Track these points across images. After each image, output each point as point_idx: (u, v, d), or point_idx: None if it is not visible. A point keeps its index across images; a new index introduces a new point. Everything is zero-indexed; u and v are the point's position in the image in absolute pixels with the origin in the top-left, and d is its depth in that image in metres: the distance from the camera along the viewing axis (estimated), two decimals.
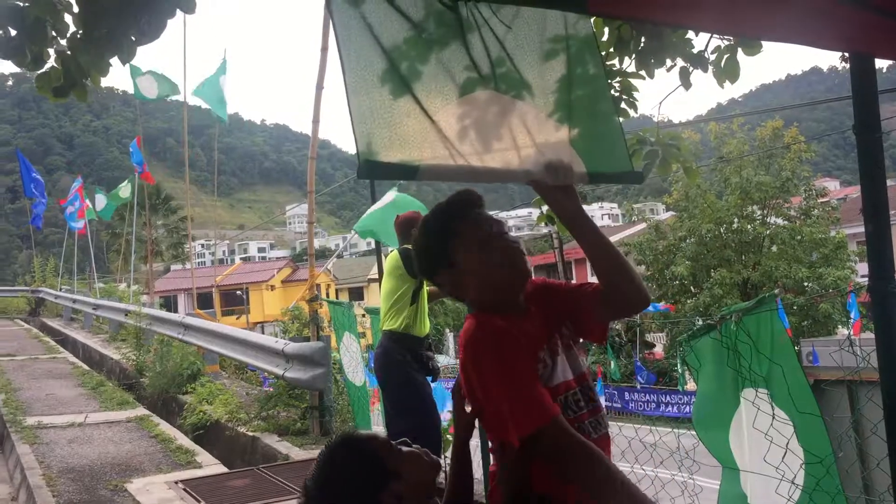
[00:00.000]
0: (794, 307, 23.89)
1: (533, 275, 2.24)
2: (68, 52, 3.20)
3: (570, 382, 2.10)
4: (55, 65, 3.30)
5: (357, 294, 49.61)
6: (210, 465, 7.16)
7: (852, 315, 20.15)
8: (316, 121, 8.22)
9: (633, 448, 4.43)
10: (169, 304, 41.96)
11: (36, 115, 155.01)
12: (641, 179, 2.63)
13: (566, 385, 2.08)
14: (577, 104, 2.34)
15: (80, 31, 3.10)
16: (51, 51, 3.18)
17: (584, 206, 2.91)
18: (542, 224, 4.48)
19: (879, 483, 3.14)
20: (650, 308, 26.74)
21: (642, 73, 3.85)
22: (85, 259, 29.29)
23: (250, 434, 8.04)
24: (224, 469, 7.06)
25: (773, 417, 3.37)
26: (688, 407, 23.56)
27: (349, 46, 2.01)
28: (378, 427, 7.42)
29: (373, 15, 2.06)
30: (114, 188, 25.90)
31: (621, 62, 3.91)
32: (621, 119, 3.94)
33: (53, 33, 3.14)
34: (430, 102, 2.08)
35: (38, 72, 3.27)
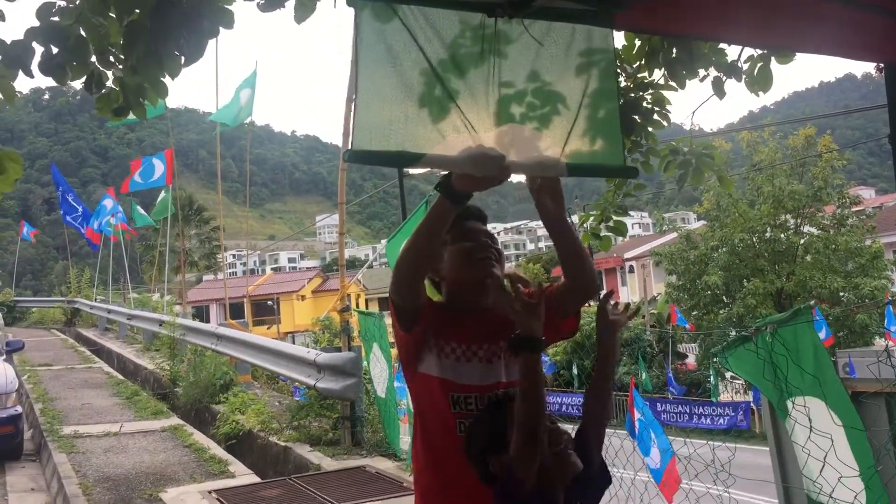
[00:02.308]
0: (830, 318, 23.54)
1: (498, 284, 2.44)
2: (125, 74, 3.27)
3: (501, 384, 2.34)
4: (114, 87, 3.38)
5: (387, 304, 49.71)
6: (243, 475, 7.22)
7: (892, 328, 19.81)
8: (346, 132, 8.27)
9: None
10: (201, 313, 42.37)
11: (71, 127, 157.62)
12: (636, 174, 2.79)
13: (496, 385, 2.32)
14: (586, 105, 2.40)
15: (122, 52, 3.17)
16: (109, 73, 3.24)
17: (625, 219, 2.98)
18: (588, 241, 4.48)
19: None
20: (680, 321, 26.57)
21: (673, 84, 3.85)
22: (119, 270, 29.69)
23: (282, 444, 8.09)
24: (256, 479, 7.11)
25: (811, 430, 3.33)
26: (721, 419, 23.31)
27: (368, 56, 2.11)
28: (406, 438, 7.43)
29: (397, 34, 2.15)
30: (147, 199, 26.25)
31: (651, 73, 3.91)
32: (652, 129, 3.94)
33: (108, 56, 3.20)
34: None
35: (98, 94, 3.34)
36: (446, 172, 2.13)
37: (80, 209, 26.11)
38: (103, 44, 3.25)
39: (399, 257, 2.27)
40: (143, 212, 25.23)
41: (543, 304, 2.06)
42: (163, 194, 23.39)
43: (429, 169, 2.30)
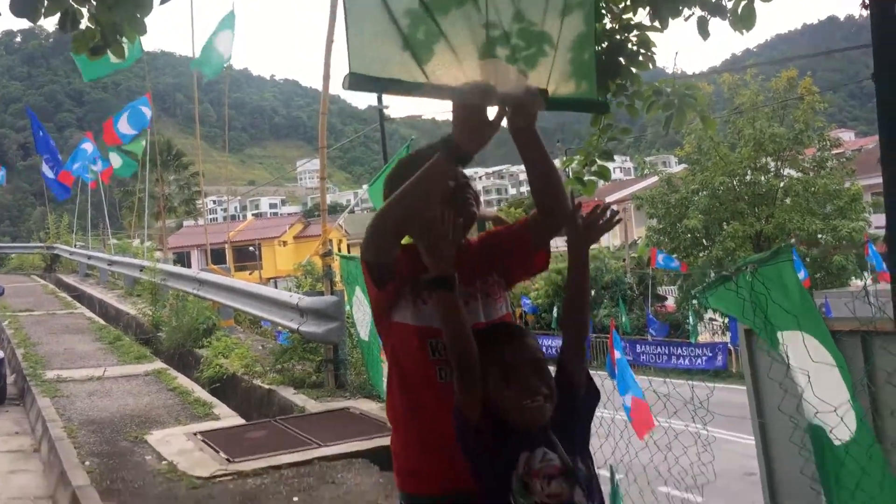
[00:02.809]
0: (808, 259, 23.81)
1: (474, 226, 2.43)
2: (100, 12, 3.19)
3: (480, 325, 2.28)
4: (90, 24, 3.29)
5: None
6: (227, 417, 7.27)
7: (876, 266, 20.07)
8: (326, 76, 8.17)
9: (646, 399, 4.47)
10: (182, 259, 42.19)
11: (45, 71, 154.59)
12: (607, 109, 2.90)
13: (476, 326, 2.23)
14: (567, 46, 2.40)
15: None
16: (84, 10, 3.16)
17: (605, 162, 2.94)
18: (574, 185, 4.47)
19: (891, 430, 3.16)
20: (662, 264, 26.74)
21: (657, 25, 3.81)
22: (98, 216, 29.42)
23: (266, 387, 8.15)
24: (241, 421, 7.17)
25: (788, 367, 3.39)
26: (700, 360, 23.70)
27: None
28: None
29: None
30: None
31: (634, 13, 3.87)
32: (638, 71, 3.92)
33: None
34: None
35: (73, 33, 3.26)
36: (445, 137, 2.09)
37: (55, 159, 25.70)
38: None
39: (380, 217, 2.17)
40: (119, 161, 24.73)
41: (451, 243, 2.06)
42: (139, 140, 23.04)
43: (418, 103, 2.25)
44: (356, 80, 2.00)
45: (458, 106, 2.07)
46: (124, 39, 3.46)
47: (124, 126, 21.13)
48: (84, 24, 3.34)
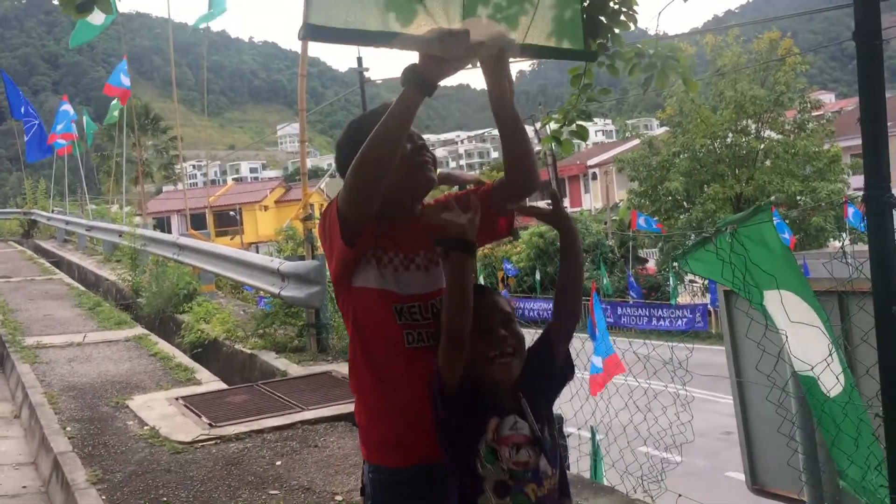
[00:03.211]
0: (787, 221, 24.01)
1: (434, 185, 2.36)
2: None
3: (442, 291, 2.21)
4: None
5: None
6: (209, 382, 7.26)
7: (856, 226, 20.27)
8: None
9: (626, 360, 4.50)
10: (162, 224, 41.95)
11: (19, 34, 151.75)
12: (595, 56, 2.89)
13: (438, 293, 2.23)
14: (550, 4, 2.35)
15: None
16: None
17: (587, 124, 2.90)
18: (537, 140, 4.45)
19: (867, 389, 3.20)
20: (644, 226, 26.86)
21: None
22: (75, 181, 29.07)
23: (248, 351, 8.14)
24: (223, 385, 7.16)
25: (766, 326, 3.42)
26: (680, 321, 23.93)
27: None
28: None
29: None
30: (101, 107, 25.45)
31: None
32: (619, 31, 3.88)
33: None
34: None
35: None
36: (409, 67, 2.05)
37: (37, 122, 25.22)
38: None
39: (358, 163, 2.08)
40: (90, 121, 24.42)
41: (478, 213, 2.06)
42: (114, 101, 22.72)
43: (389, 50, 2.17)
44: (313, 30, 1.92)
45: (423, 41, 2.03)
46: None
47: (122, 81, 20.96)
48: None
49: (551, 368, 2.17)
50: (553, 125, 3.93)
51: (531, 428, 2.03)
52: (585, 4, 3.74)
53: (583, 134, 3.87)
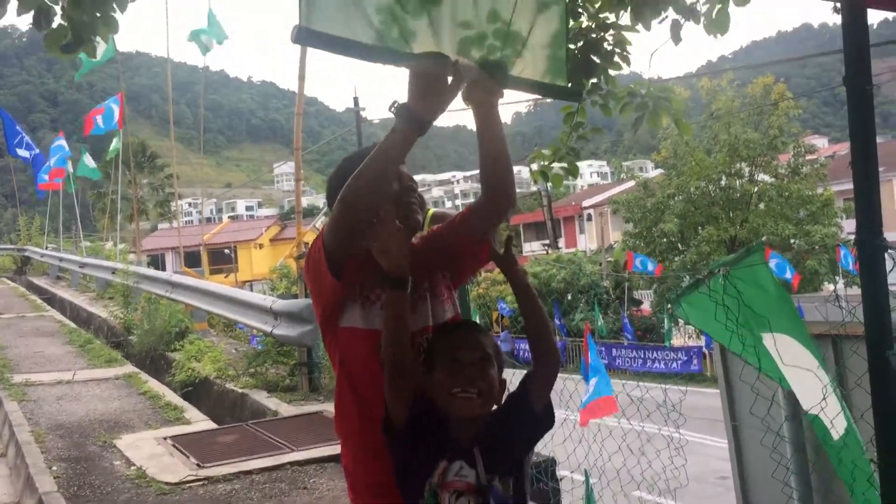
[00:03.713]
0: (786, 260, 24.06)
1: (423, 229, 2.45)
2: (71, 8, 3.14)
3: (429, 329, 2.26)
4: (62, 22, 3.24)
5: None
6: (199, 422, 7.18)
7: (851, 270, 20.28)
8: (302, 77, 8.13)
9: (620, 402, 4.46)
10: (156, 262, 41.83)
11: (18, 71, 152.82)
12: (580, 97, 2.98)
13: (425, 330, 2.25)
14: (533, 32, 2.39)
15: None
16: (57, 8, 3.11)
17: (578, 163, 2.91)
18: (533, 181, 4.45)
19: (864, 434, 3.16)
20: (640, 267, 26.87)
21: (637, 26, 3.81)
22: (70, 218, 29.07)
23: (239, 390, 8.07)
24: (213, 425, 7.08)
25: (759, 370, 3.38)
26: (674, 363, 23.84)
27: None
28: None
29: None
30: (98, 145, 25.55)
31: (618, 17, 3.87)
32: (613, 73, 3.92)
33: None
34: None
35: (46, 31, 3.20)
36: (400, 104, 2.06)
37: (31, 154, 25.20)
38: None
39: (344, 198, 2.09)
40: (89, 162, 24.42)
41: (403, 242, 2.06)
42: (115, 140, 22.82)
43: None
44: (304, 35, 1.92)
45: (414, 73, 2.05)
46: (98, 38, 3.41)
47: (99, 122, 21.02)
48: (57, 21, 3.29)
49: (527, 417, 2.12)
50: (543, 162, 3.94)
51: (477, 476, 1.99)
52: (580, 44, 3.79)
53: (573, 171, 3.88)
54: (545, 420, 2.15)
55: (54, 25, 3.25)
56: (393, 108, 2.05)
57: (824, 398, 3.01)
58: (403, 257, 2.04)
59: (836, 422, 3.05)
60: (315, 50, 2.06)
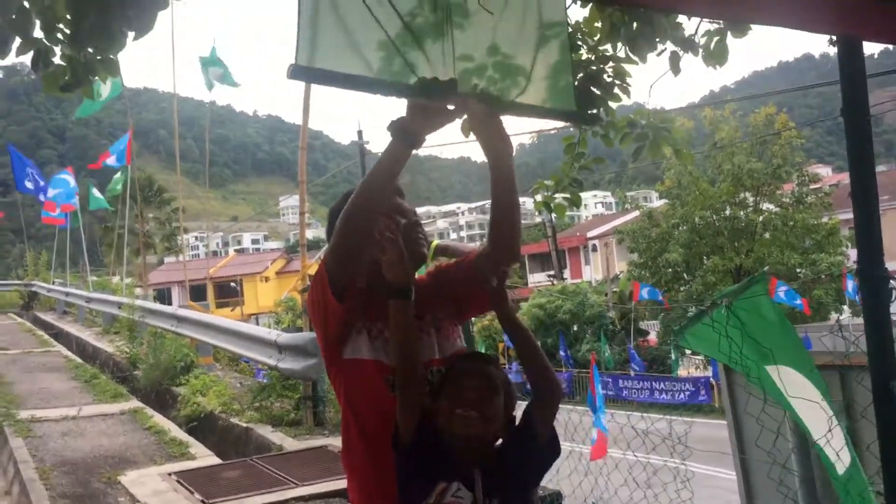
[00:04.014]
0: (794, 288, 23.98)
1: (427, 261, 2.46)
2: (72, 49, 3.18)
3: (434, 361, 2.27)
4: (61, 62, 3.29)
5: None
6: (204, 457, 7.15)
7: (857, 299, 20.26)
8: (306, 109, 8.20)
9: (625, 434, 4.44)
10: (163, 296, 41.94)
11: (27, 107, 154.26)
12: (585, 118, 2.98)
13: (430, 363, 2.25)
14: (543, 76, 2.43)
15: (69, 26, 3.08)
16: (56, 49, 3.16)
17: (582, 194, 2.95)
18: (536, 212, 4.47)
19: (870, 466, 3.14)
20: (646, 297, 26.81)
21: (635, 58, 3.84)
22: (78, 252, 29.17)
23: (244, 425, 8.03)
24: (218, 460, 7.05)
25: (765, 402, 3.37)
26: (681, 394, 23.68)
27: (321, 28, 2.05)
28: None
29: (351, 5, 2.09)
30: (105, 180, 25.70)
31: (614, 48, 3.90)
32: (614, 104, 3.95)
33: (55, 31, 3.11)
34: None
35: (45, 72, 3.25)
36: (395, 120, 2.10)
37: (38, 186, 25.32)
38: (48, 16, 3.16)
39: (343, 217, 2.13)
40: (97, 194, 24.65)
41: (404, 253, 2.09)
42: (118, 174, 22.98)
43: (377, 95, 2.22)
44: (299, 71, 1.97)
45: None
46: (96, 78, 3.45)
47: (111, 161, 21.30)
48: (57, 61, 3.33)
49: (531, 446, 2.12)
50: (546, 192, 3.96)
51: (474, 499, 2.00)
52: (580, 76, 3.82)
53: (576, 200, 3.90)
54: (550, 450, 2.16)
55: (52, 68, 3.29)
56: (390, 128, 2.09)
57: (829, 430, 3.00)
58: (406, 267, 2.09)
59: (841, 454, 3.03)
60: (320, 85, 2.11)
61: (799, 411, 3.18)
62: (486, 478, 2.02)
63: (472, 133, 2.28)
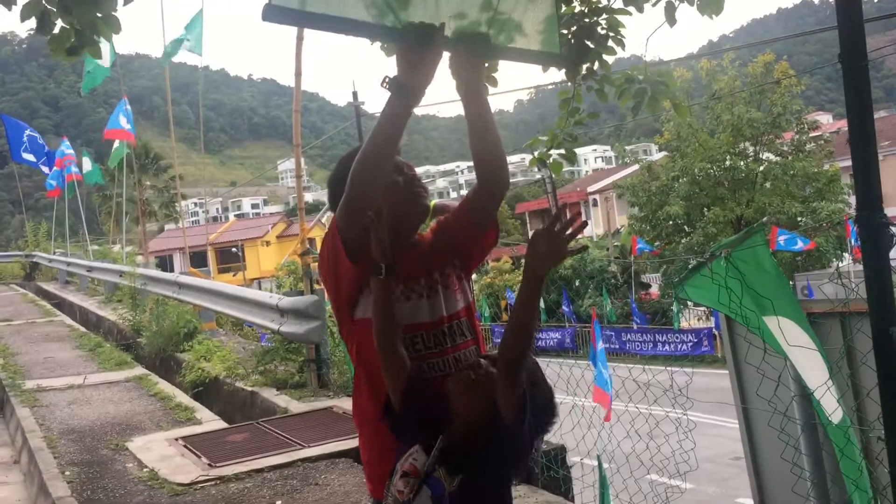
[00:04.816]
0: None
1: (427, 216, 2.42)
2: (79, 9, 3.14)
3: (444, 318, 2.30)
4: (64, 25, 3.25)
5: None
6: (210, 421, 7.20)
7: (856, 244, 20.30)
8: (298, 73, 8.09)
9: (626, 388, 4.45)
10: (164, 263, 41.99)
11: (19, 77, 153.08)
12: (566, 64, 2.94)
13: (441, 320, 2.30)
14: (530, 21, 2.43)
15: None
16: (55, 10, 3.13)
17: (577, 150, 2.92)
18: (535, 168, 4.43)
19: (870, 413, 3.15)
20: (644, 247, 26.79)
21: (630, 9, 3.78)
22: (77, 222, 29.13)
23: (249, 389, 8.08)
24: (224, 424, 7.11)
25: (765, 351, 3.38)
26: (683, 346, 23.82)
27: None
28: None
29: None
30: (102, 149, 25.57)
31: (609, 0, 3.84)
32: (610, 57, 3.89)
33: None
34: None
35: (49, 35, 3.21)
36: (390, 78, 2.07)
37: (45, 151, 25.14)
38: None
39: (351, 179, 2.13)
40: (90, 166, 24.49)
41: (385, 233, 2.08)
42: (116, 143, 22.80)
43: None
44: (273, 11, 1.91)
45: (401, 46, 2.09)
46: (101, 39, 3.41)
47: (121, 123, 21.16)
48: (59, 25, 3.30)
49: (502, 431, 2.00)
50: (541, 148, 3.92)
51: (423, 463, 2.01)
52: (573, 29, 3.76)
53: (571, 157, 3.86)
54: (522, 432, 2.00)
55: (56, 31, 3.26)
56: (385, 84, 2.06)
57: (827, 381, 3.01)
58: (387, 247, 2.09)
59: (840, 402, 3.05)
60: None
61: (796, 362, 3.19)
62: (450, 450, 2.00)
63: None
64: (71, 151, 24.01)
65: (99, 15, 3.20)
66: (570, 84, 3.92)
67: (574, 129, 3.87)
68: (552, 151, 3.86)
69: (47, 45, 3.34)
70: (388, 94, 2.07)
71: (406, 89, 2.05)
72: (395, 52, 2.11)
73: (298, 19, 2.04)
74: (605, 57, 3.86)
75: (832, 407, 3.07)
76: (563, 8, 3.47)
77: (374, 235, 2.07)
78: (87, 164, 23.97)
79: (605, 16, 3.83)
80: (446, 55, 2.21)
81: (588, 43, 3.73)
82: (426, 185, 2.43)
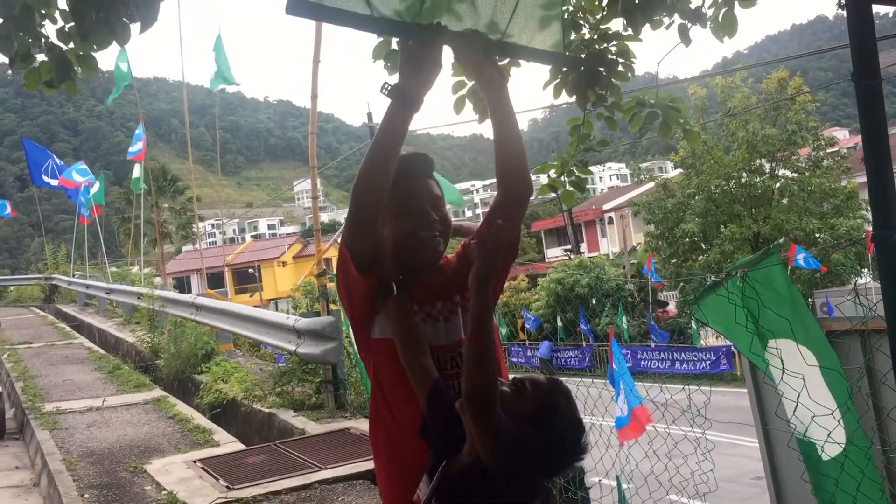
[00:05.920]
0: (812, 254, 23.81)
1: (441, 250, 2.34)
2: (58, 45, 3.20)
3: (461, 342, 2.23)
4: (45, 58, 3.30)
5: None
6: (227, 443, 7.22)
7: None
8: (314, 95, 8.18)
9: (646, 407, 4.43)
10: (182, 284, 42.17)
11: (39, 102, 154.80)
12: (569, 63, 2.98)
13: (459, 343, 2.24)
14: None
15: (72, 21, 3.09)
16: (38, 48, 3.18)
17: (592, 167, 2.93)
18: (544, 194, 4.42)
19: (892, 433, 3.12)
20: (653, 275, 26.67)
21: (635, 34, 3.79)
22: (96, 244, 29.38)
23: (266, 410, 8.10)
24: (241, 446, 7.12)
25: (783, 371, 3.35)
26: (703, 363, 23.62)
27: None
28: None
29: None
30: (120, 171, 25.80)
31: (609, 21, 3.85)
32: (617, 81, 3.90)
33: (44, 25, 3.13)
34: None
35: (27, 69, 3.27)
36: (391, 85, 2.11)
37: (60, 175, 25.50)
38: (50, 12, 3.16)
39: (354, 189, 2.13)
40: (97, 188, 24.78)
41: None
42: (137, 167, 23.06)
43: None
44: (296, 5, 1.99)
45: (404, 53, 2.13)
46: (79, 70, 3.48)
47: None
48: (41, 58, 3.37)
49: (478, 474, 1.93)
50: (552, 173, 3.93)
51: (427, 488, 1.98)
52: (583, 56, 3.78)
53: (581, 185, 3.86)
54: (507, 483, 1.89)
55: (36, 64, 3.32)
56: (384, 90, 2.09)
57: (850, 402, 2.98)
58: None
59: (833, 435, 3.00)
60: (317, 20, 2.18)
61: (808, 387, 3.15)
62: (444, 486, 1.94)
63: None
64: (86, 178, 24.26)
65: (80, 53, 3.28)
66: (578, 110, 3.92)
67: (584, 155, 3.88)
68: (563, 178, 3.86)
69: (23, 79, 3.42)
70: (388, 101, 2.11)
71: (405, 94, 2.07)
72: (399, 55, 2.16)
73: (319, 13, 2.12)
74: (615, 82, 3.87)
75: (835, 435, 3.03)
76: (573, 35, 3.49)
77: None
78: (95, 186, 24.26)
79: (614, 42, 3.85)
80: (447, 60, 2.27)
81: (599, 70, 3.74)
82: (447, 217, 2.35)
